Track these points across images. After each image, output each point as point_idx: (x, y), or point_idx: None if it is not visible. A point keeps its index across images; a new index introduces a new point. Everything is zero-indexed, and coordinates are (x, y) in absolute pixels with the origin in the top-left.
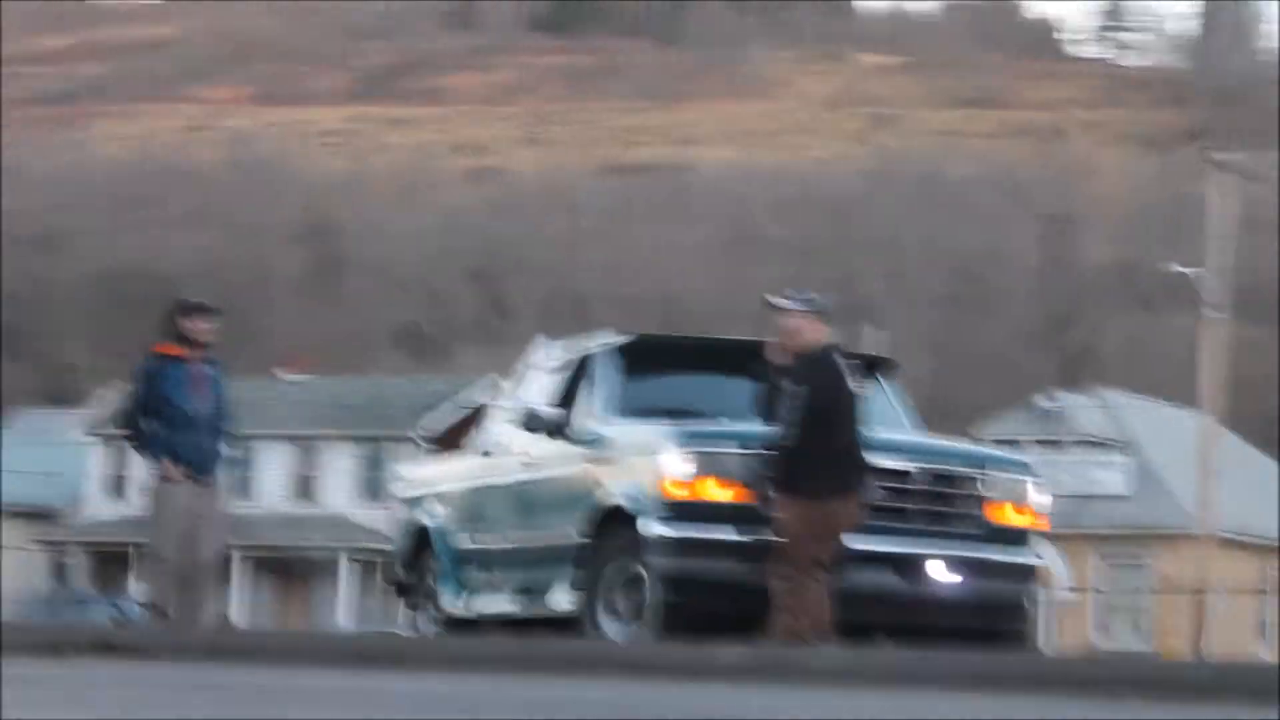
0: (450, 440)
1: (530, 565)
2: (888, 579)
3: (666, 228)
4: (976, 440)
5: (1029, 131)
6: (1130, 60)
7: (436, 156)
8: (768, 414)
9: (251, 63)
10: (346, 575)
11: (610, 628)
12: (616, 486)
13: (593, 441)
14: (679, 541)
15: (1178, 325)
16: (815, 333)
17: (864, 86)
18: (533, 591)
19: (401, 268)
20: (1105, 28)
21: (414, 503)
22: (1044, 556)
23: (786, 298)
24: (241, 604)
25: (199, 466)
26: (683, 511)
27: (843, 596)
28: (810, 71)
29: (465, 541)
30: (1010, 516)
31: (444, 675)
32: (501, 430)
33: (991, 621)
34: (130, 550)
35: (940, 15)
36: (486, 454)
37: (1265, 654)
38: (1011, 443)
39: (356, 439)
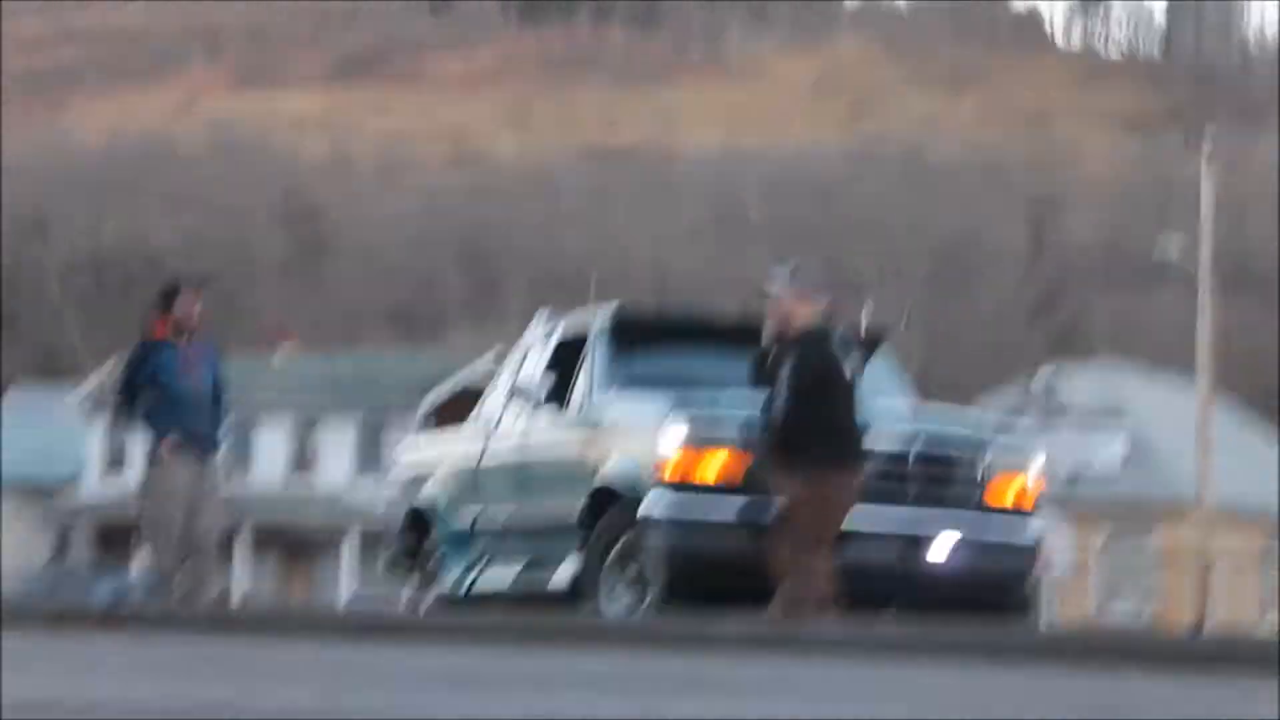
0: (449, 417)
1: (530, 543)
2: (890, 551)
3: (650, 211)
4: (977, 411)
5: (1011, 115)
6: (1109, 46)
7: (417, 140)
8: (761, 384)
9: (228, 47)
10: (350, 551)
11: (611, 605)
12: (614, 464)
13: (589, 417)
14: (680, 515)
15: (1164, 304)
16: (807, 308)
17: (845, 71)
18: (533, 569)
19: (385, 250)
20: (1083, 17)
21: (412, 480)
22: (1044, 530)
23: (778, 275)
24: (243, 580)
25: (196, 444)
26: (680, 488)
27: (844, 572)
28: (791, 57)
29: (465, 519)
30: (1009, 491)
31: (445, 648)
32: (501, 407)
33: (993, 596)
34: (133, 527)
35: (919, 4)
36: (486, 431)
37: (1268, 625)
38: (1011, 414)
39: (354, 415)
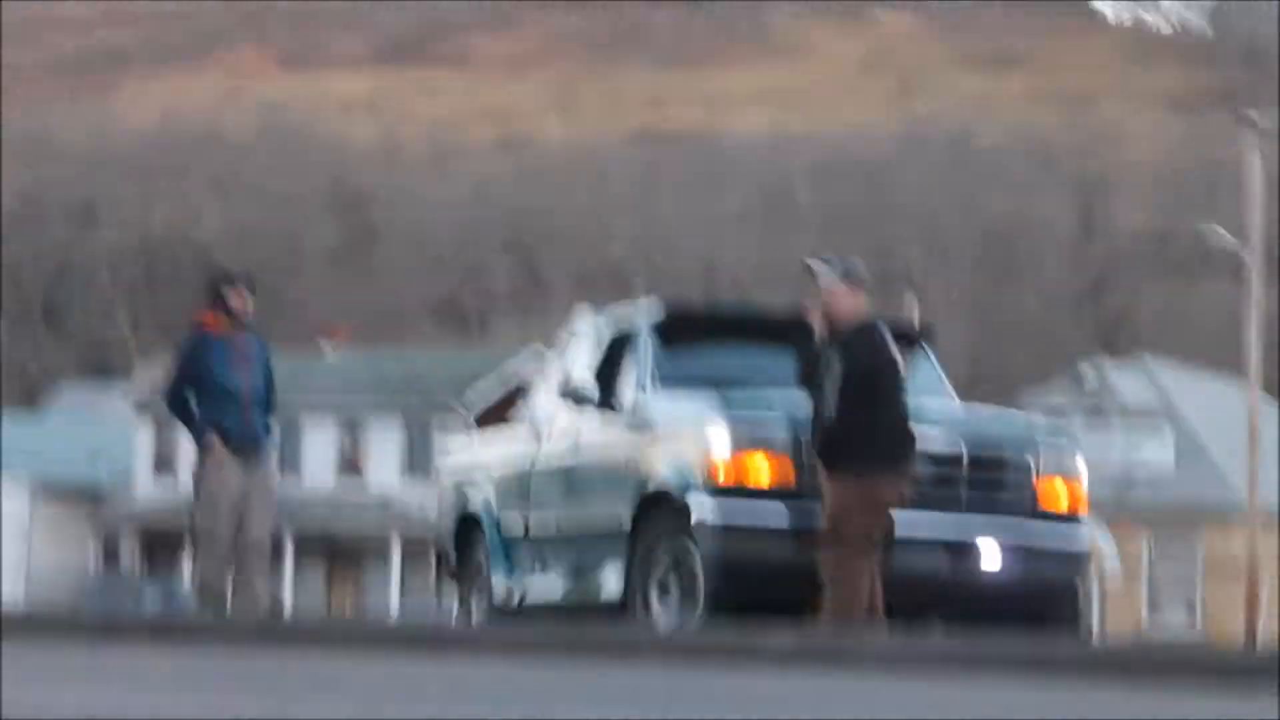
0: (496, 415)
1: (579, 548)
2: (937, 563)
3: (697, 196)
4: (1022, 412)
5: (1058, 95)
6: (1159, 22)
7: (464, 124)
8: (810, 385)
9: (275, 28)
10: (396, 558)
11: (659, 611)
12: (663, 467)
13: (638, 417)
14: (727, 522)
15: (1214, 291)
16: (854, 302)
17: (892, 49)
18: (582, 575)
19: (434, 239)
20: None
21: (461, 485)
22: (1094, 537)
23: (824, 264)
24: (290, 586)
25: (245, 444)
26: (730, 492)
27: (892, 579)
28: (837, 34)
29: (514, 524)
30: (1059, 495)
31: (493, 660)
32: (546, 406)
33: (1042, 605)
34: (182, 533)
35: None
36: (532, 431)
37: None
38: (1057, 414)
39: (402, 414)
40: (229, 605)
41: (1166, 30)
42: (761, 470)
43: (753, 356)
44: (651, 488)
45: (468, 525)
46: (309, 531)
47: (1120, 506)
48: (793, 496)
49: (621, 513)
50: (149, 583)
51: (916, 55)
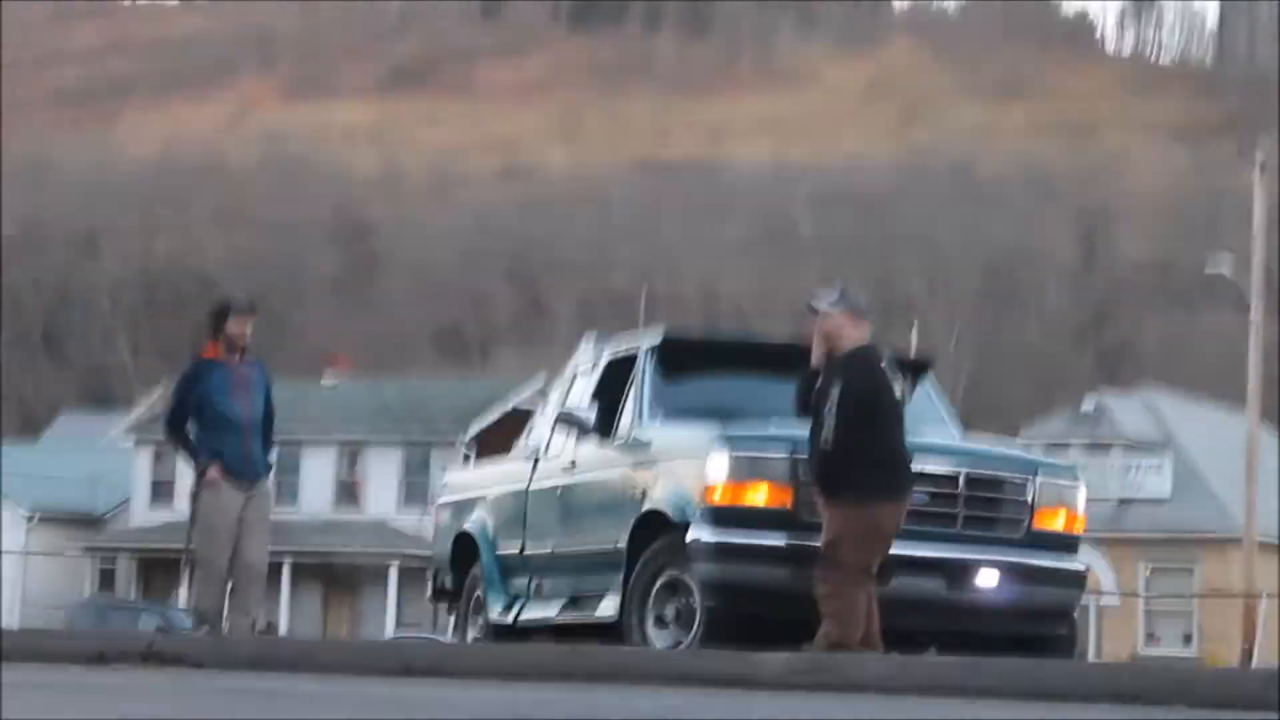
0: (495, 444)
1: (576, 572)
2: (934, 586)
3: (701, 224)
4: (1020, 443)
5: (1061, 125)
6: (1160, 54)
7: (468, 153)
8: (807, 414)
9: (278, 58)
10: (393, 582)
11: (656, 635)
12: (660, 491)
13: (635, 444)
14: (724, 547)
15: (1216, 321)
16: (854, 332)
17: (894, 78)
18: (578, 598)
19: (437, 267)
20: (1134, 21)
21: (458, 508)
22: (1090, 563)
23: (825, 295)
24: (287, 611)
25: (244, 471)
26: (727, 517)
27: (889, 603)
28: (841, 64)
29: (511, 548)
30: (1056, 522)
31: (489, 684)
32: (546, 434)
33: (1038, 628)
34: (178, 558)
35: (968, 7)
36: (530, 458)
37: None
38: (1057, 446)
39: (401, 443)
40: (224, 629)
41: (1167, 61)
42: (759, 496)
43: (752, 385)
44: (649, 509)
45: (464, 548)
46: (306, 557)
47: (1117, 534)
48: (790, 523)
49: (618, 536)
50: (145, 607)
51: (920, 83)
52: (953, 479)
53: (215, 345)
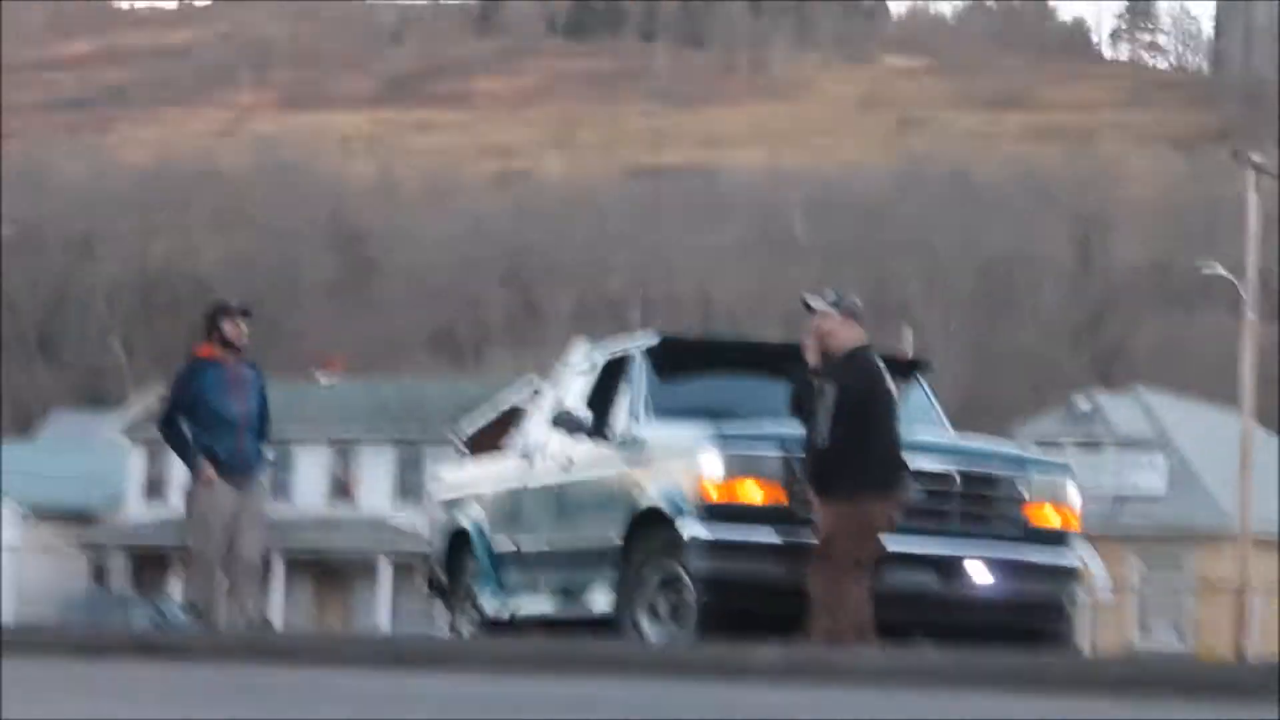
0: (488, 443)
1: (568, 567)
2: (927, 580)
3: (696, 231)
4: (1013, 441)
5: (1057, 132)
6: (1157, 60)
7: (463, 160)
8: (801, 414)
9: (274, 67)
10: (386, 577)
11: (649, 629)
12: (654, 488)
13: (630, 443)
14: (717, 543)
15: (1210, 324)
16: (849, 333)
17: (890, 88)
18: (571, 593)
19: (432, 272)
20: (1130, 28)
21: (452, 505)
22: (1083, 558)
23: (820, 297)
24: (280, 606)
25: (238, 469)
26: (720, 513)
27: (881, 597)
28: (835, 73)
29: (503, 543)
30: (1049, 518)
31: (482, 676)
32: (539, 432)
33: (1032, 623)
34: (171, 554)
35: (965, 15)
36: (525, 456)
37: None
38: (1050, 444)
39: (394, 442)
40: (218, 624)
41: (1163, 71)
42: (753, 494)
43: (747, 387)
44: (642, 509)
45: (458, 544)
46: (299, 553)
47: (1111, 529)
48: (783, 519)
49: (613, 532)
50: (138, 602)
51: (915, 92)
52: (946, 475)
53: (210, 345)
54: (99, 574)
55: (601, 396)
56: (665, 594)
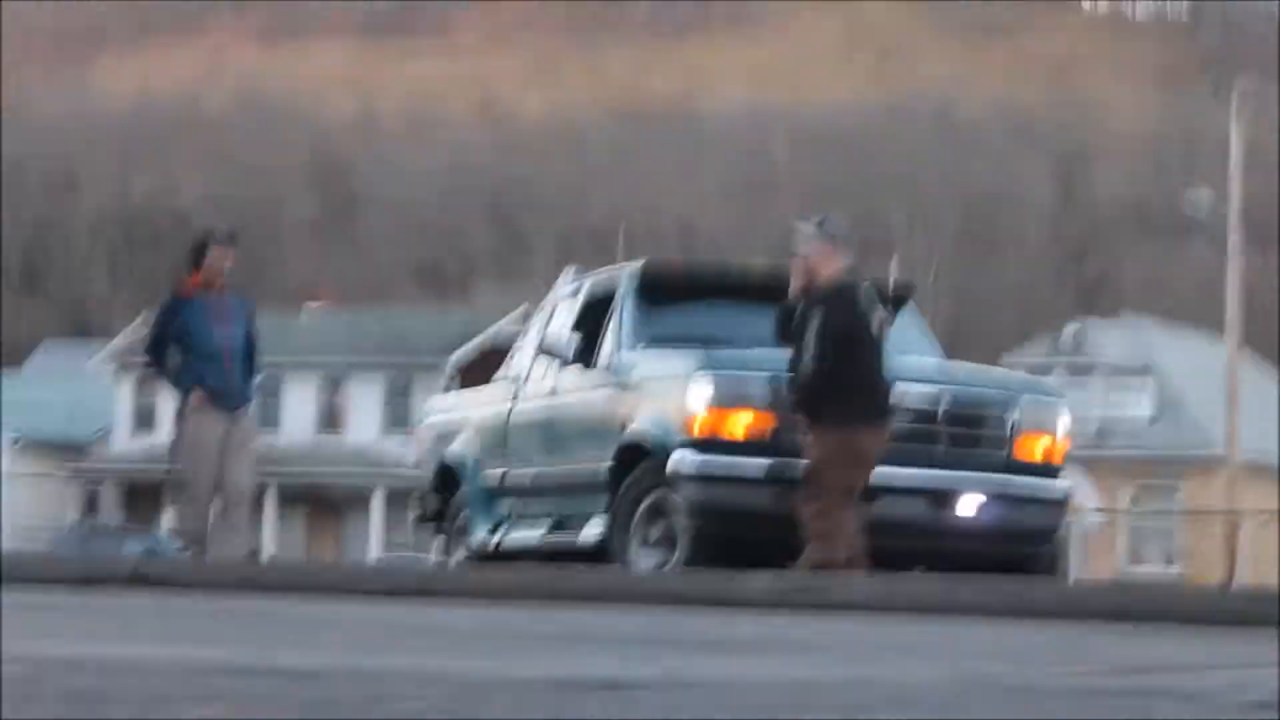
0: (477, 374)
1: (559, 497)
2: (917, 508)
3: (678, 168)
4: (1004, 369)
5: (1040, 68)
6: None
7: (444, 95)
8: (789, 341)
9: (252, 1)
10: (379, 507)
11: (640, 558)
12: (643, 419)
13: (619, 372)
14: (707, 471)
15: (1194, 258)
16: (836, 260)
17: (874, 24)
18: (561, 523)
19: (413, 207)
20: None
21: (442, 435)
22: (1073, 484)
23: (807, 223)
24: (272, 535)
25: (227, 398)
26: (710, 441)
27: (872, 526)
28: (818, 9)
29: (494, 474)
30: (1039, 445)
31: (473, 605)
32: (529, 363)
33: (1021, 550)
34: (162, 483)
35: None
36: (514, 386)
37: None
38: (1038, 372)
39: (383, 368)
40: (209, 554)
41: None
42: (741, 423)
43: (733, 316)
44: (630, 438)
45: (447, 475)
46: (289, 483)
47: (1100, 457)
48: (772, 449)
49: (602, 461)
50: (129, 532)
51: (898, 28)
52: (934, 403)
53: (196, 277)
54: (90, 503)
55: (589, 326)
56: (656, 522)
